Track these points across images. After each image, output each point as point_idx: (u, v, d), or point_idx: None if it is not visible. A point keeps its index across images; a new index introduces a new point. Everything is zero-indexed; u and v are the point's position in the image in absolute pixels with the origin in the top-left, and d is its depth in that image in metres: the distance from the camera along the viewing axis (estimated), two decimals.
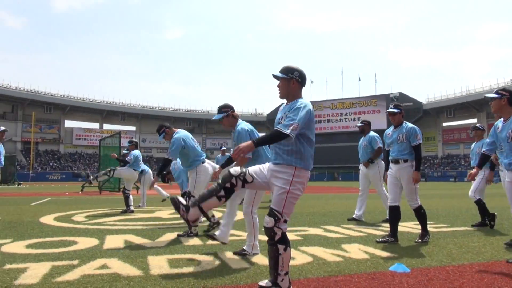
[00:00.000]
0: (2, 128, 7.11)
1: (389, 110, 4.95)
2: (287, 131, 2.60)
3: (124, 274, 3.15)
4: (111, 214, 8.02)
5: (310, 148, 2.79)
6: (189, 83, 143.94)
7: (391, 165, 4.92)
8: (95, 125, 68.37)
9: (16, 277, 3.05)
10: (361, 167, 6.94)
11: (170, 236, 5.08)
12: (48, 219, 6.92)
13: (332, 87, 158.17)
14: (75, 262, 3.57)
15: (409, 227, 5.99)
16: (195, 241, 4.72)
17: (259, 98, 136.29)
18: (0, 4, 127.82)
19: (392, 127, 5.04)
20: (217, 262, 3.59)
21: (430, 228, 5.88)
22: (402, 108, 5.01)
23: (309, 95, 68.00)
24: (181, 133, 5.44)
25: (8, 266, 3.41)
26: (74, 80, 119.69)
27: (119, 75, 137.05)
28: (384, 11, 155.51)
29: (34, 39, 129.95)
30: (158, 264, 3.49)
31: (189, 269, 3.32)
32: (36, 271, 3.21)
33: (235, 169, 2.78)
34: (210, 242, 4.63)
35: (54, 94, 62.01)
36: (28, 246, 4.34)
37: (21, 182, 32.03)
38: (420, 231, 4.92)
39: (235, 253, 3.95)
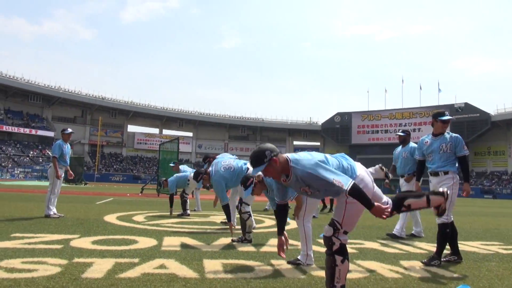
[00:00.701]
0: (70, 130, 7.69)
1: (448, 117, 4.47)
2: (348, 187, 2.46)
3: (181, 275, 3.24)
4: (168, 216, 8.32)
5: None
6: (245, 91, 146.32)
7: (430, 178, 4.55)
8: (155, 130, 71.65)
9: (83, 270, 3.25)
10: (400, 180, 6.61)
11: (225, 240, 5.16)
12: (111, 218, 7.32)
13: (391, 97, 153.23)
14: (136, 260, 3.74)
15: (475, 246, 5.59)
16: (249, 247, 4.74)
17: (314, 107, 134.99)
18: (75, 18, 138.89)
19: (430, 135, 4.64)
20: (271, 270, 3.58)
21: (500, 249, 5.44)
22: None
23: (366, 104, 66.16)
24: (216, 174, 5.37)
25: (76, 259, 3.65)
26: (137, 87, 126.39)
27: (178, 83, 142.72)
28: (447, 17, 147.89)
29: (102, 49, 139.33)
30: (213, 268, 3.55)
31: (243, 275, 3.34)
32: (101, 266, 3.41)
33: (326, 230, 2.67)
34: (264, 249, 4.65)
35: (119, 100, 65.91)
36: (94, 242, 4.62)
37: (87, 182, 34.28)
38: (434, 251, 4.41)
39: (288, 262, 3.92)
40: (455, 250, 4.37)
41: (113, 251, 4.12)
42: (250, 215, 5.14)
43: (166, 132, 71.44)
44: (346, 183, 2.47)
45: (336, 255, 2.58)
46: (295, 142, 75.23)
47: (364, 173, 2.81)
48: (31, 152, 57.00)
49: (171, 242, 4.86)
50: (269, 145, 2.68)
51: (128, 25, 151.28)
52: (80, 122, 63.47)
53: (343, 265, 2.58)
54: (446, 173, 4.40)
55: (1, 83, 54.78)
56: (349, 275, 3.45)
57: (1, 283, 2.80)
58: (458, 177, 4.43)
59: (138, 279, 3.08)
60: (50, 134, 59.01)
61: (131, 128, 69.57)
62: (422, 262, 4.15)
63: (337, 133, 66.36)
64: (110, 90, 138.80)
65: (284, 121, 73.65)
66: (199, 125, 72.92)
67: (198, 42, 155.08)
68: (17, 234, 4.96)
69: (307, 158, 2.63)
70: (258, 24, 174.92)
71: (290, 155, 2.68)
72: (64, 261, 3.55)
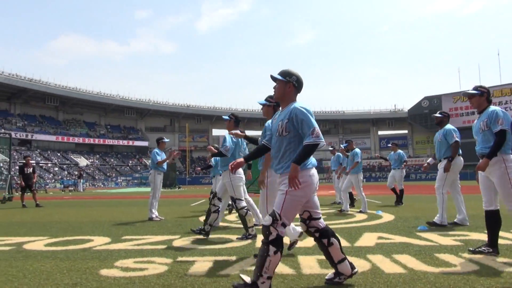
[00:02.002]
0: (165, 139, 8.30)
1: (465, 92, 4.09)
2: (318, 141, 2.64)
3: (278, 272, 3.29)
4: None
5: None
6: (323, 85, 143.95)
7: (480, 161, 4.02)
8: None
9: (187, 268, 3.47)
10: (439, 165, 6.09)
11: None
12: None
13: (486, 73, 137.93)
14: (233, 258, 3.90)
15: None
16: (343, 242, 4.64)
17: (398, 93, 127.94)
18: (157, 34, 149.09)
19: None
20: (368, 265, 3.47)
21: None
22: (486, 90, 4.03)
23: (457, 84, 60.74)
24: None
25: (179, 258, 3.91)
26: (218, 92, 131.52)
27: (257, 83, 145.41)
28: None
29: (183, 59, 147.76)
30: (309, 264, 3.55)
31: None
32: (202, 264, 3.61)
33: (265, 220, 2.75)
34: (358, 244, 4.54)
35: (203, 106, 69.36)
36: (193, 242, 4.91)
37: (180, 186, 36.62)
38: None
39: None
40: (491, 242, 3.86)
41: (211, 250, 4.34)
42: (248, 210, 5.14)
43: (248, 132, 72.54)
44: (319, 136, 2.65)
45: (271, 245, 2.59)
46: (380, 132, 72.11)
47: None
48: (130, 162, 62.54)
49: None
50: (301, 78, 2.94)
51: (204, 34, 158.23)
52: (170, 130, 68.06)
53: (275, 257, 2.58)
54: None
55: (102, 101, 61.12)
56: (454, 268, 3.22)
57: (119, 281, 3.12)
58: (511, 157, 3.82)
59: (237, 276, 3.19)
60: (145, 144, 64.27)
61: (216, 131, 72.75)
62: None
63: (426, 118, 62.03)
64: (193, 98, 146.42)
65: (366, 111, 71.02)
66: None
67: (272, 41, 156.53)
68: (127, 237, 5.47)
69: (301, 104, 2.84)
70: (330, 15, 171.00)
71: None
72: (169, 260, 3.83)
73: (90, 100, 60.05)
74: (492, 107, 3.96)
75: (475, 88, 4.08)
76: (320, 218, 2.91)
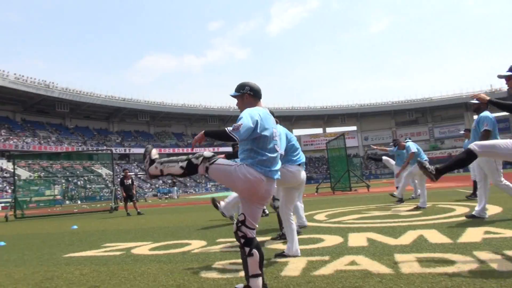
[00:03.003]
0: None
1: (499, 74, 3.69)
2: (230, 130, 2.65)
3: (374, 271, 3.17)
4: (347, 212, 8.31)
5: (265, 153, 2.77)
6: (406, 73, 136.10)
7: None
8: (319, 130, 73.26)
9: (281, 269, 3.51)
10: None
11: (413, 233, 4.85)
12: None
13: None
14: (326, 258, 3.85)
15: None
16: (442, 238, 4.34)
17: (495, 72, 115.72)
18: (230, 42, 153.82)
19: None
20: (476, 263, 3.18)
21: None
22: None
23: None
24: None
25: (273, 259, 3.97)
26: (296, 93, 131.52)
27: (334, 79, 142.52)
28: None
29: (258, 64, 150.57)
30: (407, 263, 3.37)
31: (444, 269, 3.06)
32: (295, 265, 3.62)
33: (208, 153, 2.82)
34: (462, 240, 4.19)
35: (281, 108, 69.87)
36: (285, 243, 4.93)
37: None
38: None
39: (276, 256, 4.03)
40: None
41: (303, 250, 4.33)
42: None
43: (329, 130, 72.23)
44: (238, 127, 2.63)
45: (246, 247, 2.72)
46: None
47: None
48: None
49: (357, 238, 4.83)
50: (255, 85, 3.03)
51: (276, 36, 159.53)
52: None
53: (252, 258, 2.68)
54: None
55: (187, 112, 64.96)
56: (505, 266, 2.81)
57: (218, 282, 3.26)
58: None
59: (332, 276, 3.15)
60: (229, 149, 66.72)
61: (296, 131, 72.67)
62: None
63: None
64: (272, 100, 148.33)
65: (457, 95, 65.45)
66: (362, 117, 71.17)
67: (346, 34, 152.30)
68: (221, 239, 5.70)
69: (253, 108, 2.89)
70: None
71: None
72: None
73: (176, 112, 64.18)
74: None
75: (511, 69, 3.62)
76: (253, 229, 2.85)
